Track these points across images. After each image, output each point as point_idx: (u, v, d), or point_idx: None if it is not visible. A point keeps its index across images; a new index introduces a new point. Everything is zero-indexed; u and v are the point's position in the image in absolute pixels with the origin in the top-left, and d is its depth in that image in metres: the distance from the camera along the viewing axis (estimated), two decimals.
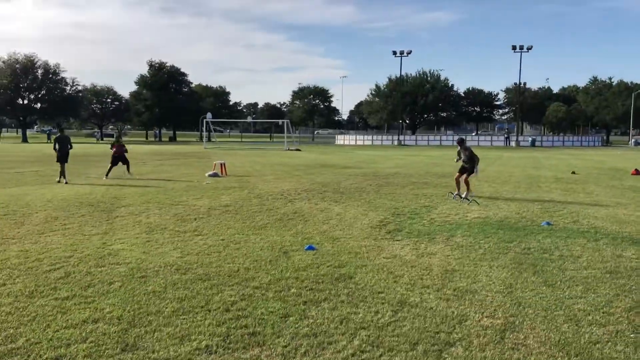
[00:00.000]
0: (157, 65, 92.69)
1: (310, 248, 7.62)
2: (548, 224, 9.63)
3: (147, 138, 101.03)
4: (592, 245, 7.89)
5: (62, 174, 17.08)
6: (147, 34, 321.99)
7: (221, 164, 20.50)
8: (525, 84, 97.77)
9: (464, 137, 30.14)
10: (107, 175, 18.32)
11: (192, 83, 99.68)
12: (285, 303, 5.23)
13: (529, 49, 67.41)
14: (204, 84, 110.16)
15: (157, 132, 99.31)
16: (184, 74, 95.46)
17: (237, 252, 7.39)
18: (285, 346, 4.24)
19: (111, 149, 19.81)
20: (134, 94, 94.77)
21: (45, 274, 6.20)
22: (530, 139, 70.72)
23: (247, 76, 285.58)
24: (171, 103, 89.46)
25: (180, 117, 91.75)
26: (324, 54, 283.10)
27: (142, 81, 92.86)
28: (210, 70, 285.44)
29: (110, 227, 9.27)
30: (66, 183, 16.37)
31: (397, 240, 8.28)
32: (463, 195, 13.00)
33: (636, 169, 21.75)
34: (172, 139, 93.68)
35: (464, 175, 13.45)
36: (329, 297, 5.45)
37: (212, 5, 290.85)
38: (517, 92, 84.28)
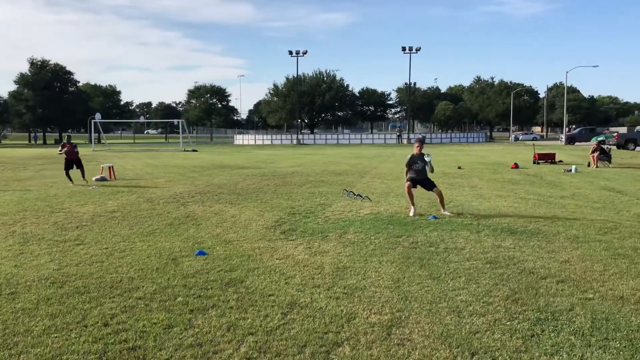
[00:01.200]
0: (39, 63, 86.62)
1: (201, 253, 7.37)
2: (435, 217, 10.02)
3: (29, 141, 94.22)
4: (475, 237, 8.29)
5: None
6: (30, 30, 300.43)
7: (109, 167, 19.49)
8: (415, 83, 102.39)
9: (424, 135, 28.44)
10: (71, 181, 16.81)
11: (79, 82, 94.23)
12: (170, 313, 4.98)
13: (417, 50, 70.32)
14: (93, 83, 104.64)
15: (35, 135, 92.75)
16: (69, 73, 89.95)
17: (121, 261, 6.98)
18: (168, 359, 4.02)
19: (60, 151, 17.65)
20: (13, 94, 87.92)
21: None
22: (420, 136, 73.94)
23: (141, 75, 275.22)
24: (56, 103, 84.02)
25: (67, 118, 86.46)
26: (222, 53, 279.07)
27: (22, 80, 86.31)
28: (101, 69, 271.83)
29: None
30: None
31: (291, 240, 8.23)
32: (445, 212, 10.48)
33: (515, 163, 23.36)
34: (58, 142, 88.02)
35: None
36: (217, 303, 5.27)
37: (101, 1, 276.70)
38: (408, 92, 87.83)
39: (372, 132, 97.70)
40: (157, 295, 5.54)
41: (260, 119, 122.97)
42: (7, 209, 11.67)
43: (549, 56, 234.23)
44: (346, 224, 9.51)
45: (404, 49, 69.50)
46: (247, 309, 5.11)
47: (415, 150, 11.05)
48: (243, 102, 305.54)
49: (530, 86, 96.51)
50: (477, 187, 15.24)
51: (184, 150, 47.05)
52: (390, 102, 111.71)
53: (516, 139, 78.28)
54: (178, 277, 6.22)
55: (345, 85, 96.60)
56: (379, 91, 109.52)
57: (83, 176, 17.25)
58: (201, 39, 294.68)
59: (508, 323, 4.67)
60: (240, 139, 78.26)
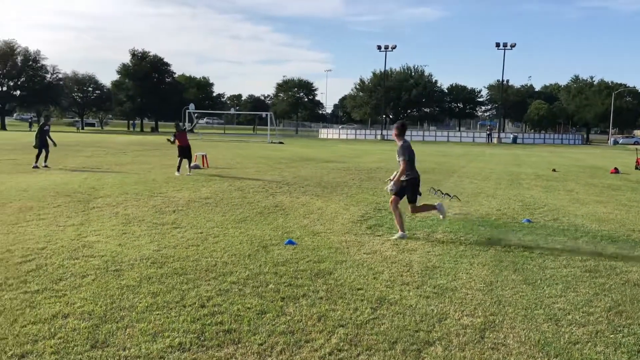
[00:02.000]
0: (139, 54, 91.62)
1: (290, 242, 7.52)
2: (529, 221, 9.64)
3: (128, 128, 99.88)
4: (572, 243, 7.89)
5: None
6: (131, 23, 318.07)
7: (203, 156, 20.27)
8: (508, 81, 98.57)
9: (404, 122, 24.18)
10: (178, 171, 16.50)
11: (175, 73, 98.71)
12: (262, 299, 5.12)
13: (512, 46, 67.83)
14: (188, 75, 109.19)
15: (133, 122, 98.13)
16: (167, 64, 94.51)
17: (215, 246, 7.25)
18: (261, 344, 4.13)
19: (172, 141, 17.34)
20: (115, 83, 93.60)
21: (16, 266, 6.01)
22: (511, 136, 71.30)
23: (231, 68, 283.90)
24: (153, 93, 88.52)
25: (163, 108, 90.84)
26: (309, 47, 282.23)
27: (124, 70, 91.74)
28: (194, 61, 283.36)
29: (86, 218, 9.07)
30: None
31: (378, 236, 8.21)
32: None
33: (615, 168, 21.98)
34: (154, 130, 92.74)
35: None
36: (308, 293, 5.35)
37: None
38: (501, 89, 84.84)
39: (459, 130, 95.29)
40: (250, 280, 5.71)
41: (345, 114, 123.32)
42: (110, 191, 12.44)
43: None
44: (434, 223, 9.36)
45: (497, 45, 67.27)
46: (337, 300, 5.15)
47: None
48: (328, 96, 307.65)
49: (634, 87, 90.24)
50: (573, 192, 14.49)
51: (271, 142, 48.10)
52: (481, 99, 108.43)
53: (615, 142, 73.68)
54: (269, 264, 6.37)
55: (434, 81, 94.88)
56: (469, 88, 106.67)
57: (189, 166, 17.07)
58: (289, 33, 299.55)
59: (612, 336, 4.41)
60: (325, 133, 78.95)
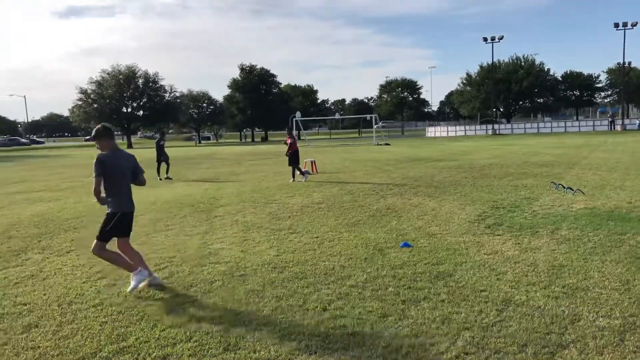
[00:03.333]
0: (247, 68, 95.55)
1: (406, 245, 7.46)
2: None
3: (240, 139, 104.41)
4: None
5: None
6: (237, 37, 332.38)
7: (312, 162, 20.70)
8: (630, 63, 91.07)
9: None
10: (303, 176, 17.07)
11: (281, 84, 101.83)
12: (383, 302, 5.13)
13: (633, 25, 62.53)
14: (293, 84, 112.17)
15: (247, 133, 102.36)
16: (273, 75, 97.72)
17: (331, 250, 7.38)
18: (386, 347, 4.14)
19: (287, 146, 17.62)
20: (227, 97, 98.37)
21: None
22: (637, 122, 65.68)
23: (333, 73, 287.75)
24: (262, 104, 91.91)
25: (271, 118, 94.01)
26: (411, 45, 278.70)
27: (234, 84, 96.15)
28: (297, 70, 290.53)
29: (210, 226, 9.59)
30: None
31: (498, 235, 7.92)
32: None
33: None
34: (264, 139, 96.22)
35: None
36: (428, 295, 5.28)
37: (299, 5, 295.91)
38: (622, 73, 78.56)
39: (577, 119, 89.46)
40: (369, 284, 5.74)
41: (452, 110, 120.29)
42: (229, 200, 13.06)
43: None
44: (558, 220, 8.85)
45: (616, 25, 62.35)
46: (460, 303, 5.03)
47: None
48: (433, 93, 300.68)
49: None
50: None
51: (377, 144, 48.04)
52: (599, 85, 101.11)
53: None
54: (386, 267, 6.36)
55: (546, 69, 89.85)
56: (585, 74, 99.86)
57: (296, 175, 17.33)
58: (391, 33, 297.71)
59: None
60: (432, 131, 77.48)
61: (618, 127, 62.44)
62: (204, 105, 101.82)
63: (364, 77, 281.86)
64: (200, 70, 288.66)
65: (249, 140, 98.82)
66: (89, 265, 7.01)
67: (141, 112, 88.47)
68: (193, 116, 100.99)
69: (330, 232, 8.61)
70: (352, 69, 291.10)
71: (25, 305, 5.49)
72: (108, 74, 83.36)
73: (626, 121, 65.39)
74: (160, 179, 19.11)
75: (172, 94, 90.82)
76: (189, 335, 4.52)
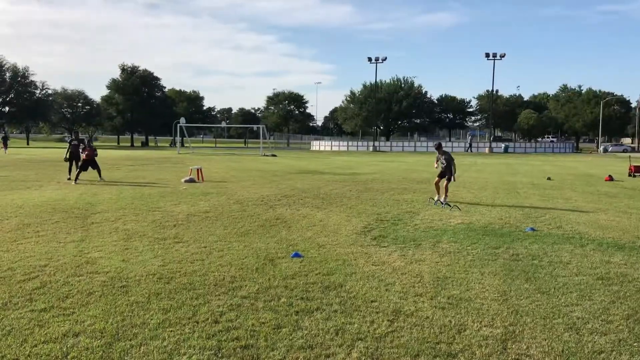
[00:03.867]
0: (129, 69, 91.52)
1: (297, 255, 7.41)
2: (532, 229, 9.59)
3: (118, 143, 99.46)
4: (580, 251, 7.86)
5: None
6: (128, 33, 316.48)
7: (197, 169, 20.14)
8: (497, 91, 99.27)
9: (441, 142, 30.54)
10: (76, 180, 17.92)
11: (165, 87, 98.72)
12: (276, 313, 5.01)
13: (502, 56, 68.41)
14: (177, 89, 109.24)
15: (130, 136, 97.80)
16: (157, 78, 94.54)
17: (221, 260, 7.14)
18: (281, 359, 4.03)
19: (82, 152, 19.10)
20: (105, 98, 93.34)
21: (19, 284, 5.87)
22: (503, 145, 71.66)
23: (228, 80, 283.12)
24: (143, 107, 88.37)
25: (153, 122, 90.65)
26: (313, 57, 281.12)
27: (114, 85, 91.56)
28: (192, 73, 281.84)
29: (86, 234, 8.92)
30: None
31: (384, 247, 8.13)
32: (442, 200, 13.03)
33: (610, 176, 22.10)
34: (145, 144, 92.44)
35: (444, 180, 13.30)
36: (321, 306, 5.25)
37: (199, 3, 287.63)
38: (491, 100, 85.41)
39: (450, 140, 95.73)
40: (261, 295, 5.60)
41: (336, 126, 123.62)
42: (108, 206, 12.28)
43: None
44: (438, 233, 9.30)
45: (487, 55, 67.80)
46: (352, 313, 5.05)
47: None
48: (326, 108, 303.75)
49: (622, 95, 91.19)
50: (571, 200, 14.51)
51: (264, 155, 48.01)
52: (471, 109, 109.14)
53: (605, 150, 74.30)
54: (278, 278, 6.27)
55: (424, 92, 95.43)
56: (459, 98, 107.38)
57: (100, 175, 18.51)
58: (295, 43, 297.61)
59: (635, 345, 4.35)
60: (317, 145, 79.03)
61: (487, 150, 67.63)
62: (79, 105, 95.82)
63: (258, 87, 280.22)
64: (81, 66, 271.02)
65: (127, 144, 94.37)
66: None
67: (7, 109, 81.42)
68: (66, 116, 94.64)
69: (219, 242, 8.35)
70: (248, 78, 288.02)
71: None
72: None
73: (494, 144, 71.01)
74: (70, 178, 18.65)
75: (44, 91, 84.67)
76: (66, 351, 4.09)
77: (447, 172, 13.23)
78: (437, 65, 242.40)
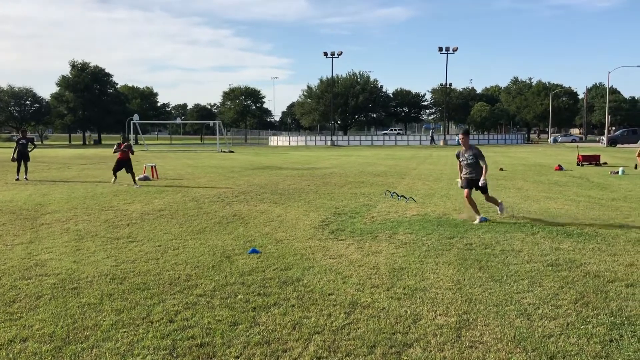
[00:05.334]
0: (80, 65, 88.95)
1: (254, 251, 7.37)
2: (485, 219, 9.80)
3: (70, 142, 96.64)
4: (531, 239, 8.07)
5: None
6: (78, 28, 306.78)
7: (152, 167, 19.77)
8: (450, 84, 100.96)
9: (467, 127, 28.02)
10: (115, 178, 16.94)
11: (117, 84, 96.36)
12: (233, 310, 4.96)
13: (454, 50, 69.59)
14: (130, 85, 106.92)
15: (82, 134, 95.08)
16: (108, 75, 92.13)
17: (176, 259, 7.03)
18: (237, 356, 3.99)
19: (115, 151, 17.22)
20: (55, 96, 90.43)
21: None
22: (457, 138, 73.02)
23: (183, 75, 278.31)
24: (95, 105, 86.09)
25: (106, 119, 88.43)
26: (270, 52, 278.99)
27: (63, 82, 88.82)
28: (147, 69, 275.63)
29: (36, 235, 8.63)
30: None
31: (341, 240, 8.16)
32: (499, 212, 10.16)
33: (559, 165, 22.82)
34: (97, 142, 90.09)
35: (478, 191, 9.92)
36: (279, 301, 5.23)
37: None
38: (445, 93, 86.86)
39: (406, 134, 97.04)
40: (217, 292, 5.54)
41: (294, 121, 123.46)
42: (59, 206, 11.91)
43: (590, 55, 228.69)
44: (394, 225, 9.40)
45: (440, 49, 68.84)
46: (309, 307, 5.05)
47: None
48: (284, 103, 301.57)
49: (570, 87, 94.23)
50: (523, 189, 14.91)
51: (221, 152, 47.52)
52: (425, 103, 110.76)
53: (555, 140, 76.68)
54: (235, 274, 6.21)
55: (379, 86, 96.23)
56: (413, 92, 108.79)
57: (134, 181, 16.54)
58: (251, 37, 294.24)
59: (582, 327, 4.50)
60: (275, 140, 78.73)
61: (441, 142, 68.76)
62: (28, 103, 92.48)
63: (213, 82, 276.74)
64: (30, 63, 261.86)
65: (80, 143, 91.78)
66: None
67: None
68: (13, 114, 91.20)
69: (175, 240, 8.22)
70: (204, 73, 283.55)
71: None
72: None
73: (447, 137, 72.21)
74: (19, 179, 18.30)
75: None
76: (12, 357, 3.95)
77: (476, 175, 9.75)
78: (393, 59, 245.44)
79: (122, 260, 6.92)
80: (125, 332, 4.44)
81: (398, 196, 12.95)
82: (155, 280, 5.98)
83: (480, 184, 9.68)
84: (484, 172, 9.72)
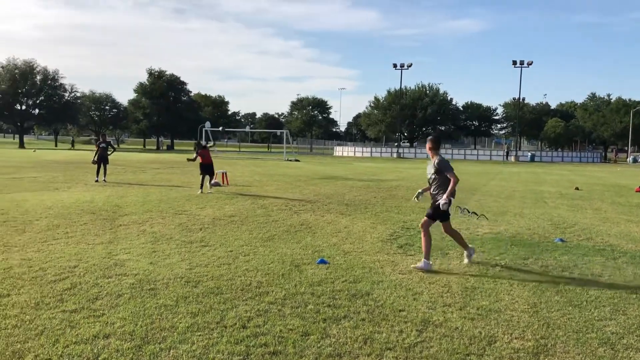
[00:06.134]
0: (156, 73, 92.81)
1: (322, 262, 7.39)
2: (561, 240, 9.42)
3: (144, 146, 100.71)
4: (612, 263, 7.68)
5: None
6: (155, 37, 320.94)
7: (223, 173, 20.27)
8: (524, 99, 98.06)
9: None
10: (201, 189, 16.27)
11: (191, 92, 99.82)
12: (303, 320, 4.99)
13: (529, 64, 67.65)
14: (203, 93, 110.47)
15: (157, 139, 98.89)
16: (183, 83, 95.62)
17: (247, 265, 7.15)
18: None
19: (194, 159, 17.35)
20: (132, 102, 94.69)
21: (50, 285, 5.95)
22: (529, 154, 70.74)
23: (252, 85, 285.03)
24: (169, 111, 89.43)
25: (179, 126, 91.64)
26: (337, 63, 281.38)
27: (140, 89, 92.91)
28: (217, 78, 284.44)
29: (114, 236, 9.02)
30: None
31: (410, 255, 8.06)
32: (466, 258, 7.63)
33: None
34: (170, 148, 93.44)
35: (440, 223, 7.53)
36: (349, 314, 5.22)
37: (225, 8, 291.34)
38: (518, 107, 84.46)
39: (475, 148, 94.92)
40: (288, 301, 5.59)
41: (359, 131, 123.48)
42: (135, 208, 12.42)
43: None
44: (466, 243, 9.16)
45: (514, 62, 67.11)
46: (380, 322, 5.01)
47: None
48: (349, 113, 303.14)
49: None
50: (601, 210, 14.22)
51: (287, 160, 48.15)
52: (496, 117, 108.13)
53: (635, 160, 72.80)
54: (304, 284, 6.25)
55: (449, 99, 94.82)
56: (484, 105, 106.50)
57: (210, 183, 16.83)
58: (319, 48, 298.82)
59: None
60: (340, 150, 79.01)
61: (512, 158, 66.84)
62: (107, 108, 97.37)
63: (281, 92, 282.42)
64: (108, 69, 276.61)
65: (153, 147, 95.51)
66: None
67: (37, 111, 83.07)
68: (94, 118, 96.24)
69: (245, 246, 8.38)
70: (273, 82, 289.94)
71: None
72: (2, 67, 77.68)
73: (520, 153, 70.13)
74: (98, 180, 19.37)
75: (73, 94, 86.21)
76: (97, 352, 4.13)
77: (439, 196, 7.27)
78: (463, 72, 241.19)
79: (196, 264, 7.12)
80: (200, 335, 4.55)
81: (469, 213, 12.65)
82: (227, 286, 6.10)
83: (441, 206, 7.13)
84: (449, 187, 7.15)
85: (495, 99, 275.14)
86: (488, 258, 7.93)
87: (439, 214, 7.35)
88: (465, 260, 7.60)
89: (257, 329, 4.73)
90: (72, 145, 76.42)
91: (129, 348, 4.23)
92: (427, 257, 7.22)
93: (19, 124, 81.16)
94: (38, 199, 13.68)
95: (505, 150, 72.31)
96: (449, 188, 7.18)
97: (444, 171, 7.25)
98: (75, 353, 4.11)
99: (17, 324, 4.68)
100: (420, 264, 7.19)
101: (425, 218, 7.46)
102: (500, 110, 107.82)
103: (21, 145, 77.23)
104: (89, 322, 4.79)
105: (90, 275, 6.41)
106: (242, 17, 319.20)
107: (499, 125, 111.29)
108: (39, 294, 5.58)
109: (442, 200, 7.14)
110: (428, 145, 7.61)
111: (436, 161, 7.34)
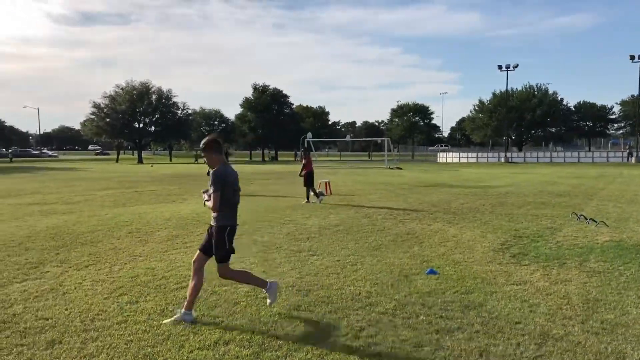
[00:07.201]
0: (260, 87, 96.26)
1: (432, 272, 7.28)
2: (273, 287, 8.36)
3: (250, 158, 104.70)
4: None
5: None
6: (258, 52, 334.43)
7: (326, 183, 20.58)
8: None
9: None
10: (317, 197, 16.49)
11: (293, 104, 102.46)
12: (416, 331, 4.95)
13: None
14: (305, 105, 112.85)
15: (261, 151, 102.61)
16: (286, 96, 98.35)
17: (355, 274, 7.21)
18: None
19: (302, 173, 17.26)
20: (239, 116, 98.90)
21: (173, 292, 6.36)
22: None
23: (352, 93, 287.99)
24: (273, 124, 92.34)
25: (282, 138, 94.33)
26: (439, 67, 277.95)
27: (246, 103, 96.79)
28: (318, 88, 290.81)
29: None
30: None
31: (525, 265, 7.73)
32: (268, 302, 5.70)
33: None
34: (274, 159, 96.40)
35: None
36: (462, 326, 5.10)
37: (324, 21, 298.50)
38: (637, 105, 78.24)
39: (590, 150, 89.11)
40: (398, 311, 5.57)
41: (463, 136, 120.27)
42: (245, 218, 12.92)
43: None
44: (584, 251, 8.65)
45: (632, 57, 62.40)
46: (495, 335, 4.85)
47: None
48: (452, 118, 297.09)
49: None
50: None
51: (389, 168, 47.92)
52: (613, 116, 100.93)
53: None
54: (414, 295, 6.20)
55: (559, 99, 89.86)
56: (599, 105, 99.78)
57: (315, 194, 16.80)
58: (419, 53, 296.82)
59: None
60: (444, 156, 77.38)
61: (632, 160, 62.12)
62: (215, 122, 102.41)
63: (381, 100, 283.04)
64: (216, 86, 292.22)
65: (259, 159, 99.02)
66: (109, 281, 6.89)
67: (153, 128, 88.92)
68: (204, 133, 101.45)
69: (352, 256, 8.45)
70: (372, 91, 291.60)
71: (47, 320, 5.36)
72: (122, 89, 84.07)
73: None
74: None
75: (185, 111, 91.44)
76: (219, 358, 4.36)
77: (214, 221, 5.80)
78: (573, 71, 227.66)
79: (306, 273, 7.28)
80: (314, 343, 4.66)
81: (586, 219, 11.92)
82: (337, 295, 6.19)
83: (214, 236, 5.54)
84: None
85: (611, 97, 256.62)
86: (611, 268, 7.42)
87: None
88: (271, 303, 5.65)
89: (369, 339, 4.76)
90: (196, 160, 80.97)
91: (247, 355, 4.42)
92: (264, 284, 5.63)
93: (137, 140, 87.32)
94: (158, 211, 14.64)
95: (627, 150, 67.15)
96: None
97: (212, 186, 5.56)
98: (200, 358, 4.36)
99: (146, 329, 5.04)
100: (268, 301, 5.59)
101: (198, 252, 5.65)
102: (617, 109, 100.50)
103: (139, 160, 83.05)
104: (210, 328, 5.07)
105: (208, 283, 6.75)
106: (340, 28, 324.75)
107: (615, 125, 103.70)
108: (164, 301, 5.98)
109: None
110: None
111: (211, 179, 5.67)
